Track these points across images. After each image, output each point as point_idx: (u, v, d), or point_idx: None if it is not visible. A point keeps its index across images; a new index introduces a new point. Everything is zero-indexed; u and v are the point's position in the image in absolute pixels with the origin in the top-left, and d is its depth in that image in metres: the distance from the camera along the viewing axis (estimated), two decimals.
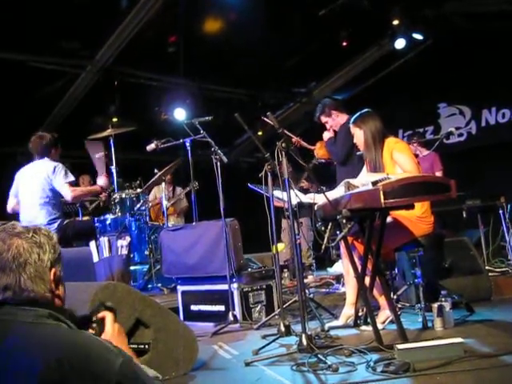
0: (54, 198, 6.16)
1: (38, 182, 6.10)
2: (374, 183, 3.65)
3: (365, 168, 4.79)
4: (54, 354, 1.89)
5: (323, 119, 6.32)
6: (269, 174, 4.33)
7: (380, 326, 4.32)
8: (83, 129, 8.33)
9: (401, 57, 10.53)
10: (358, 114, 4.82)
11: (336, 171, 6.27)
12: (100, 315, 2.45)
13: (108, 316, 2.44)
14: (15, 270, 2.02)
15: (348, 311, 4.81)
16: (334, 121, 6.25)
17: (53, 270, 2.09)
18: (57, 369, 1.87)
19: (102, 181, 6.67)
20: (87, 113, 9.82)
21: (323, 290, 7.19)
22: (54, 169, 6.08)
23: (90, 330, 2.37)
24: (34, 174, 6.17)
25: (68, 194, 6.11)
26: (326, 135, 6.36)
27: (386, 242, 4.19)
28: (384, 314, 4.54)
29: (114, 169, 7.36)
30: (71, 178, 6.17)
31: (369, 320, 4.24)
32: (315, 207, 4.44)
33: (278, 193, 4.59)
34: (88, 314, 2.46)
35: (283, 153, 3.90)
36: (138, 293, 3.52)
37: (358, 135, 4.72)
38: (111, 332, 2.39)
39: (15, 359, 1.89)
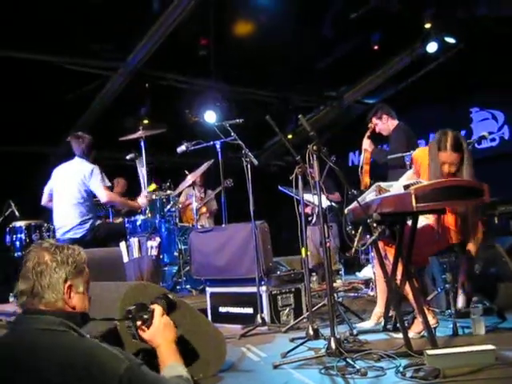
0: (88, 200, 6.28)
1: (74, 183, 6.21)
2: (406, 187, 3.62)
3: (409, 172, 4.76)
4: (57, 358, 1.99)
5: (374, 120, 6.43)
6: (299, 176, 4.33)
7: (413, 335, 4.27)
8: (114, 130, 8.42)
9: (433, 60, 10.43)
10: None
11: (388, 175, 6.26)
12: (152, 306, 2.53)
13: (156, 309, 2.53)
14: (32, 277, 2.20)
15: (379, 310, 4.80)
16: (384, 125, 6.39)
17: (68, 283, 2.25)
18: (59, 373, 1.95)
19: (143, 200, 6.81)
20: (118, 115, 9.92)
21: (352, 294, 7.16)
22: (92, 171, 6.21)
23: (139, 322, 2.46)
24: (71, 173, 6.29)
25: (103, 195, 6.23)
26: (367, 144, 6.36)
27: (421, 247, 4.15)
28: (420, 324, 4.43)
29: (144, 170, 7.41)
30: (107, 182, 6.32)
31: (399, 325, 4.20)
32: (345, 210, 4.43)
33: (308, 196, 4.59)
34: (145, 303, 2.56)
35: (314, 156, 3.89)
36: (169, 293, 3.54)
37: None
38: (157, 325, 2.51)
39: (24, 364, 1.99)
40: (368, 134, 6.45)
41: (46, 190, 6.51)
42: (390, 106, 6.63)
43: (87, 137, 6.48)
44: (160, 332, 2.52)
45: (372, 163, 6.44)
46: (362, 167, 6.47)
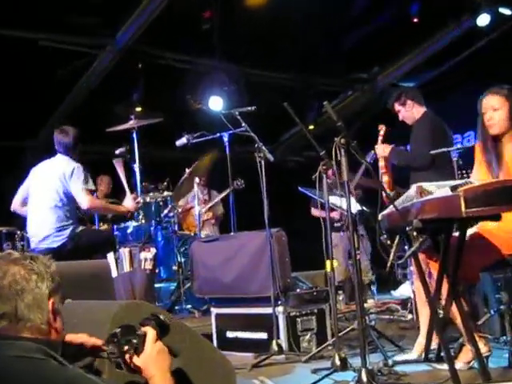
0: (69, 204, 6.27)
1: (52, 182, 6.22)
2: (453, 188, 3.60)
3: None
4: None
5: (396, 107, 6.28)
6: (323, 175, 4.31)
7: (461, 366, 4.24)
8: (101, 119, 8.44)
9: (484, 36, 10.39)
10: None
11: (410, 177, 6.15)
12: (143, 330, 2.49)
13: (149, 333, 2.49)
14: (12, 298, 2.18)
15: (423, 341, 4.76)
16: (407, 112, 6.18)
17: (51, 300, 2.26)
18: None
19: (130, 202, 6.80)
20: (106, 101, 9.95)
21: (386, 316, 7.14)
22: (73, 171, 6.21)
23: (127, 347, 2.41)
24: (50, 173, 6.30)
25: (84, 201, 6.22)
26: (381, 150, 6.19)
27: (471, 261, 4.12)
28: (469, 352, 4.40)
29: (136, 167, 7.43)
30: (91, 185, 6.31)
31: (443, 354, 4.18)
32: (379, 216, 4.41)
33: (334, 198, 4.58)
34: (133, 325, 2.50)
35: (342, 150, 3.88)
36: (166, 314, 3.53)
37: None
38: (149, 352, 2.46)
39: None
40: (380, 138, 6.33)
41: (21, 191, 6.52)
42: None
43: (72, 130, 6.47)
44: (153, 360, 2.48)
45: (393, 167, 6.31)
46: (379, 178, 6.44)
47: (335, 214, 8.56)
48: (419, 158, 5.72)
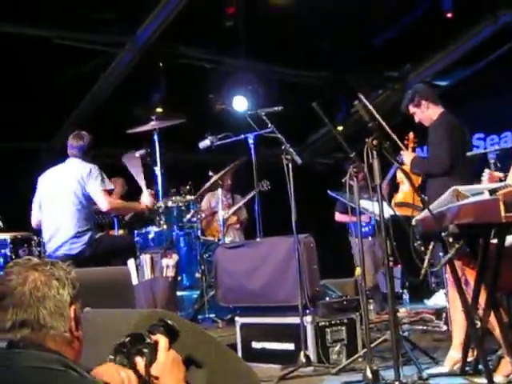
0: (87, 206, 6.30)
1: (70, 185, 6.23)
2: (492, 191, 3.56)
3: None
4: None
5: (411, 109, 6.22)
6: (354, 178, 4.29)
7: (501, 380, 4.20)
8: (120, 121, 8.47)
9: None
10: None
11: (427, 186, 6.08)
12: (154, 338, 2.42)
13: (162, 341, 2.42)
14: (33, 304, 2.16)
15: (455, 354, 4.71)
16: (423, 113, 6.10)
17: (72, 307, 2.24)
18: None
19: (147, 199, 6.80)
20: (125, 102, 10.00)
21: (419, 327, 7.09)
22: (90, 171, 6.23)
23: (138, 358, 2.33)
24: (65, 175, 6.32)
25: (104, 203, 6.24)
26: (407, 157, 6.13)
27: (511, 269, 4.08)
28: (508, 365, 4.36)
29: (158, 171, 7.44)
30: (109, 185, 6.33)
31: (481, 367, 4.14)
32: (413, 221, 4.38)
33: (365, 203, 4.55)
34: (140, 332, 2.43)
35: (374, 152, 3.86)
36: (189, 324, 3.54)
37: None
38: (163, 362, 2.36)
39: None
40: (411, 146, 6.29)
41: (35, 205, 6.52)
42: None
43: (87, 135, 6.51)
44: (168, 370, 2.41)
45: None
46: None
47: (364, 218, 8.54)
48: (436, 163, 5.68)
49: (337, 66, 10.85)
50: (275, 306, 5.61)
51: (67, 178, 6.28)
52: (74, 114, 10.28)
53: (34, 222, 6.53)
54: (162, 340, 2.45)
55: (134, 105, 10.07)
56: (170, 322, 2.55)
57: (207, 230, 9.06)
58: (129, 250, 6.57)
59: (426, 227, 4.23)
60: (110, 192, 6.44)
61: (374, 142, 3.87)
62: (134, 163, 7.26)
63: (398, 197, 6.67)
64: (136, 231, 7.27)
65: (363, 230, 8.80)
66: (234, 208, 9.18)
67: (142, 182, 7.09)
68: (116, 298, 5.11)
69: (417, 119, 6.14)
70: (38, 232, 6.59)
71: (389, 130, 5.71)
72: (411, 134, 6.36)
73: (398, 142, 6.67)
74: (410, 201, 6.17)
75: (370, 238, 8.80)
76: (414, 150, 6.33)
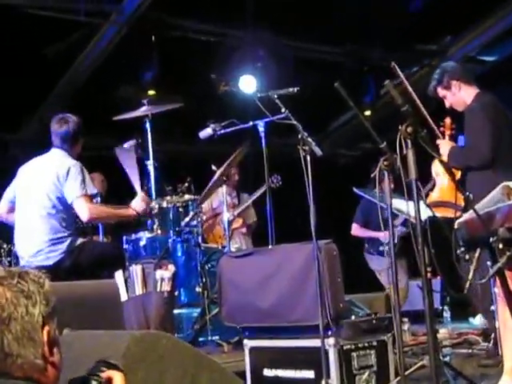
0: (64, 211, 6.30)
1: (43, 185, 6.24)
2: None
3: None
4: None
5: (440, 92, 6.20)
6: (385, 173, 4.29)
7: None
8: (105, 106, 8.48)
9: None
10: None
11: (467, 180, 6.05)
12: (104, 375, 2.44)
13: (116, 377, 2.45)
14: None
15: (507, 381, 4.73)
16: (455, 96, 6.09)
17: (46, 329, 2.20)
18: None
19: (138, 203, 6.75)
20: (111, 83, 10.03)
21: (463, 350, 7.09)
22: (69, 171, 6.21)
23: None
24: (41, 171, 6.33)
25: (84, 211, 6.23)
26: (444, 147, 6.10)
27: None
28: None
29: (150, 165, 7.46)
30: (92, 189, 6.32)
31: None
32: (456, 224, 4.38)
33: (398, 202, 4.55)
34: (84, 375, 2.44)
35: (409, 142, 3.85)
36: (189, 348, 3.55)
37: None
38: None
39: None
40: (448, 133, 6.25)
41: (6, 195, 6.55)
42: None
43: (73, 118, 6.49)
44: None
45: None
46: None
47: (383, 235, 8.66)
48: (475, 154, 5.67)
49: (364, 38, 10.84)
50: (291, 326, 5.61)
51: (42, 177, 6.28)
52: (49, 100, 10.29)
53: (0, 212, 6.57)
54: (117, 376, 2.46)
55: (121, 86, 10.09)
56: (112, 361, 2.55)
57: (208, 235, 9.06)
58: (116, 259, 6.56)
59: (470, 231, 4.23)
60: (92, 197, 6.42)
61: (409, 130, 3.86)
62: (128, 158, 7.25)
63: (433, 195, 6.66)
64: (125, 237, 7.28)
65: (382, 248, 8.91)
66: (241, 208, 9.19)
67: (136, 182, 7.08)
68: (101, 316, 5.12)
69: (447, 104, 6.13)
70: (10, 239, 6.62)
71: (426, 115, 5.71)
72: (448, 120, 6.32)
73: (435, 128, 6.67)
74: (449, 199, 6.13)
75: (387, 258, 8.88)
76: (451, 138, 6.29)
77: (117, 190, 8.56)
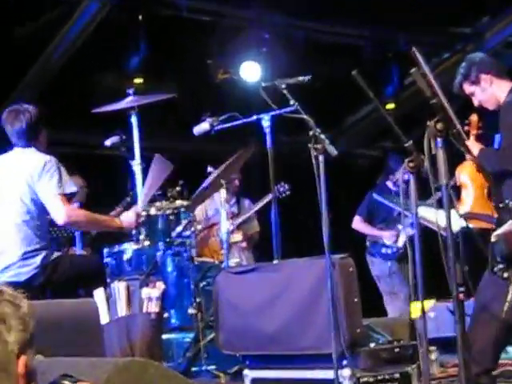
0: (39, 217, 6.29)
1: (15, 188, 6.23)
2: None
3: None
4: None
5: (467, 88, 6.18)
6: (410, 176, 4.30)
7: None
8: (83, 97, 8.49)
9: None
10: None
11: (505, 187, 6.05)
12: None
13: None
14: None
15: None
16: (485, 92, 6.05)
17: (22, 359, 2.14)
18: None
19: (129, 217, 6.78)
20: (90, 69, 10.03)
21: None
22: (44, 166, 6.20)
23: None
24: (10, 172, 6.32)
25: (60, 213, 6.22)
26: (473, 149, 6.11)
27: None
28: None
29: (136, 165, 7.45)
30: (70, 186, 6.30)
31: None
32: (493, 237, 4.39)
33: (425, 211, 4.56)
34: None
35: (439, 140, 3.86)
36: (181, 379, 3.56)
37: None
38: None
39: None
40: (474, 133, 6.24)
41: None
42: None
43: (30, 109, 6.47)
44: None
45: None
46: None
47: (388, 236, 8.71)
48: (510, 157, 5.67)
49: (386, 19, 10.86)
50: (299, 355, 5.62)
51: (12, 179, 6.27)
52: (18, 89, 10.29)
53: None
54: None
55: (102, 73, 10.10)
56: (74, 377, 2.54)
57: (203, 248, 9.06)
58: (96, 275, 6.56)
59: (510, 245, 4.24)
60: (70, 197, 6.41)
61: (439, 126, 3.86)
62: (160, 171, 7.23)
63: (464, 207, 6.65)
64: (106, 249, 7.28)
65: (385, 251, 8.94)
66: (242, 218, 9.19)
67: (146, 196, 7.10)
68: (79, 341, 5.14)
69: (476, 102, 6.09)
70: None
71: (449, 110, 5.70)
72: (474, 117, 6.28)
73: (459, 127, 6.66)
74: (481, 210, 6.14)
75: (389, 263, 8.93)
76: (478, 138, 6.28)
77: (97, 198, 8.59)
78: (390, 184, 9.67)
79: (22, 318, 2.18)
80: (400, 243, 9.11)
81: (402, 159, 5.96)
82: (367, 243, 9.71)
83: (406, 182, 9.44)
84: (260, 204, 9.02)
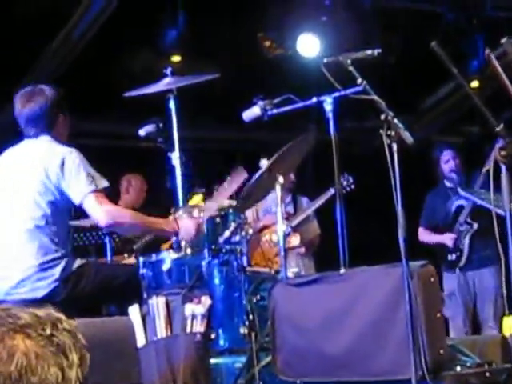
0: (56, 222, 6.25)
1: (26, 188, 6.21)
2: None
3: None
4: None
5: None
6: (503, 167, 4.28)
7: None
8: (112, 79, 8.53)
9: None
10: None
11: None
12: None
13: None
14: None
15: None
16: None
17: None
18: None
19: (187, 225, 6.73)
20: (119, 47, 10.07)
21: None
22: (63, 162, 6.14)
23: None
24: (21, 167, 6.32)
25: (100, 213, 6.19)
26: None
27: None
28: None
29: (176, 159, 7.44)
30: (102, 181, 6.25)
31: None
32: None
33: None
34: None
35: None
36: None
37: None
38: None
39: None
40: None
41: None
42: None
43: (49, 90, 6.43)
44: None
45: None
46: None
47: (449, 240, 8.72)
48: None
49: None
50: (371, 382, 5.62)
51: (24, 174, 6.25)
52: (30, 74, 10.34)
53: None
54: None
55: (134, 51, 10.14)
56: None
57: (253, 255, 9.04)
58: (130, 289, 6.58)
59: None
60: (105, 193, 6.36)
61: None
62: (236, 182, 7.21)
63: None
64: (142, 259, 7.28)
65: (449, 258, 8.92)
66: (300, 218, 9.18)
67: (215, 203, 7.07)
68: (111, 367, 5.16)
69: None
70: None
71: None
72: None
73: None
74: None
75: (457, 271, 8.92)
76: None
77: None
78: (448, 183, 9.67)
79: (81, 352, 2.19)
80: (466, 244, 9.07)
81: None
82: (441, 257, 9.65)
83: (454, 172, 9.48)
84: (321, 200, 8.99)
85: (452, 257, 9.01)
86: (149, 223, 6.84)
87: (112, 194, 7.05)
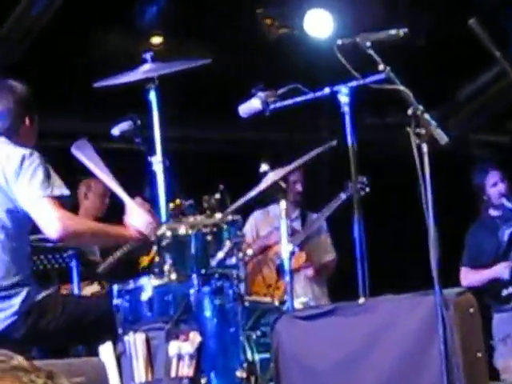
0: (17, 233, 6.28)
1: None
2: None
3: None
4: None
5: None
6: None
7: None
8: (81, 66, 8.55)
9: None
10: None
11: None
12: None
13: None
14: None
15: None
16: None
17: None
18: None
19: (137, 217, 6.71)
20: (90, 26, 10.09)
21: None
22: (22, 163, 6.19)
23: None
24: None
25: (52, 222, 6.20)
26: None
27: None
28: None
29: (157, 163, 7.44)
30: (61, 188, 6.26)
31: None
32: None
33: None
34: None
35: None
36: None
37: None
38: None
39: None
40: None
41: None
42: None
43: (18, 87, 6.50)
44: None
45: None
46: None
47: (502, 271, 8.78)
48: None
49: None
50: None
51: None
52: None
53: None
54: None
55: (106, 32, 10.16)
56: None
57: (253, 281, 9.05)
58: (102, 324, 6.59)
59: None
60: (62, 202, 6.36)
61: None
62: (91, 157, 7.19)
63: None
64: (116, 286, 7.28)
65: (504, 293, 8.94)
66: (301, 237, 9.18)
67: (114, 186, 7.01)
68: None
69: None
70: None
71: None
72: None
73: None
74: None
75: None
76: None
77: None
78: (492, 212, 9.64)
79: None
80: None
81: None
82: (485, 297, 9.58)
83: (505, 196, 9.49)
84: (331, 207, 8.96)
85: (508, 290, 8.97)
86: (107, 233, 6.92)
87: (74, 208, 7.05)
